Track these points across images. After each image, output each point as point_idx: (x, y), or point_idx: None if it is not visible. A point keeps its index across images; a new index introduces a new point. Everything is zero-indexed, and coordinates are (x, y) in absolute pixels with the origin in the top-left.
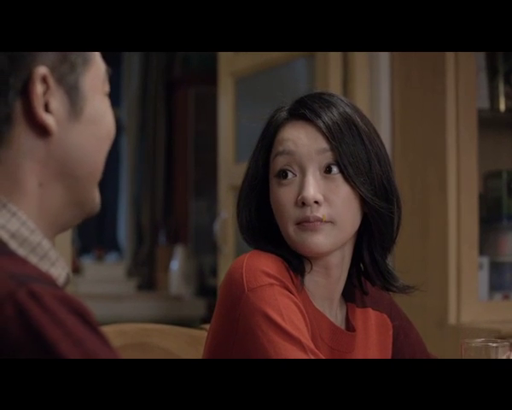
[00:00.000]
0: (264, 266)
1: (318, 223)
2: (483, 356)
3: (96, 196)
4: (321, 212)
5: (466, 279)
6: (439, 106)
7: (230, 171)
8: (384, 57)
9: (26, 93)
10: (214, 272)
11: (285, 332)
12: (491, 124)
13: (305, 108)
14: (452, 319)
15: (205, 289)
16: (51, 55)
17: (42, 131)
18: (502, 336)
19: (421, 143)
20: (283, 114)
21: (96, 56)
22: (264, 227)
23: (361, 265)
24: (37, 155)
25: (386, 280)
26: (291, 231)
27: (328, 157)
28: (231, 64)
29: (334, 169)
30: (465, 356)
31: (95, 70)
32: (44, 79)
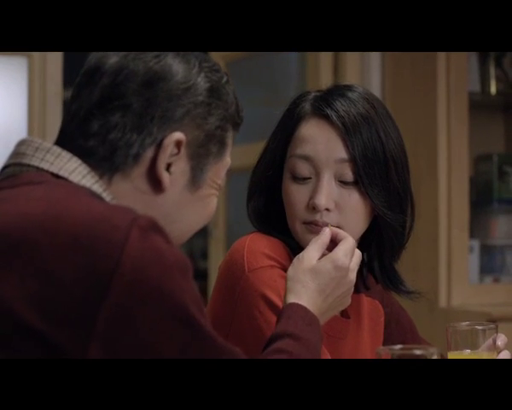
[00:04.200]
0: (265, 248)
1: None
2: (469, 340)
3: None
4: (330, 218)
5: (456, 262)
6: (430, 89)
7: None
8: None
9: (159, 146)
10: (205, 256)
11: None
12: (482, 107)
13: (329, 107)
14: (443, 303)
15: (195, 273)
16: (196, 133)
17: (156, 183)
18: (492, 319)
19: (412, 126)
20: (307, 106)
21: (228, 154)
22: (272, 214)
23: (365, 257)
24: (144, 199)
25: (393, 285)
26: (298, 228)
27: (345, 167)
28: None
29: (350, 179)
30: (451, 340)
31: (222, 166)
32: (178, 145)
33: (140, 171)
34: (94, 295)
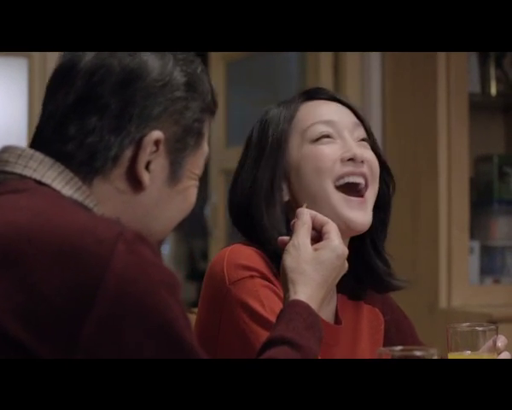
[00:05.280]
0: (244, 259)
1: (363, 199)
2: (469, 341)
3: None
4: (365, 169)
5: (457, 263)
6: (431, 90)
7: (221, 155)
8: None
9: (138, 146)
10: (205, 256)
11: (266, 321)
12: (483, 108)
13: (323, 91)
14: (443, 303)
15: (195, 273)
16: (173, 129)
17: (136, 182)
18: (492, 320)
19: (412, 127)
20: (297, 99)
21: (205, 143)
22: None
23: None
24: (125, 198)
25: (390, 275)
26: (331, 192)
27: (361, 131)
28: None
29: (364, 136)
30: (451, 341)
31: (200, 155)
32: (157, 143)
33: (119, 171)
34: (78, 309)
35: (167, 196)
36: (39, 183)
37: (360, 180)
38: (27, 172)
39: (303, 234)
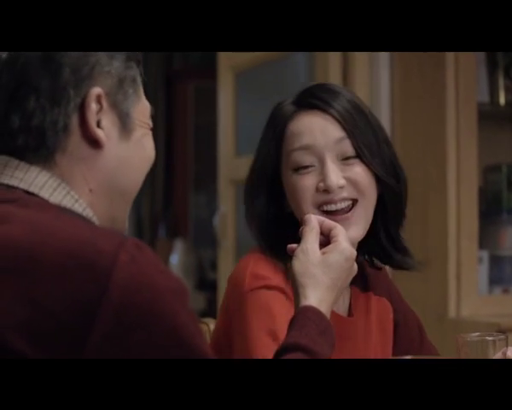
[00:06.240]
0: (265, 270)
1: (347, 215)
2: (479, 351)
3: (126, 217)
4: (348, 192)
5: (466, 273)
6: (439, 99)
7: (230, 164)
8: None
9: (82, 108)
10: (214, 266)
11: (273, 334)
12: (491, 117)
13: (315, 98)
14: (452, 313)
15: (204, 283)
16: (109, 82)
17: (93, 142)
18: (501, 330)
19: (421, 136)
20: (290, 107)
21: (143, 95)
22: (274, 222)
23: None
24: (89, 164)
25: (400, 252)
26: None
27: (346, 145)
28: (231, 58)
29: (352, 154)
30: (461, 351)
31: (144, 106)
32: (99, 100)
33: (74, 139)
34: (82, 321)
35: (126, 150)
36: (27, 192)
37: (341, 206)
38: (14, 182)
39: (311, 239)
